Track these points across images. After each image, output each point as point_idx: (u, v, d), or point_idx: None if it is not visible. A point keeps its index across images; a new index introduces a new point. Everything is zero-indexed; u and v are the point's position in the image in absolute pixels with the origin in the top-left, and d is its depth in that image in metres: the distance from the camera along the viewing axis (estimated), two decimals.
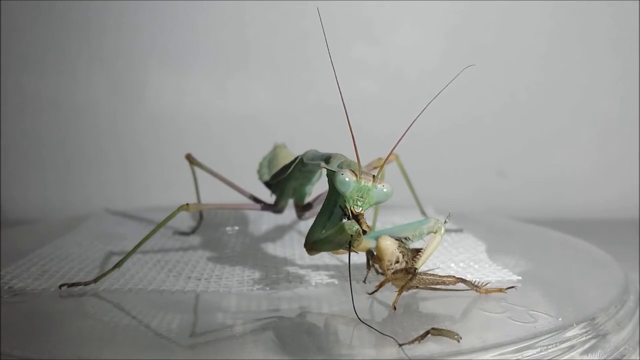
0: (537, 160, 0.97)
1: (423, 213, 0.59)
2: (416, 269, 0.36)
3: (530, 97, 0.96)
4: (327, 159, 0.38)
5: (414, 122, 0.35)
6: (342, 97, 0.35)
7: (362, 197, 0.34)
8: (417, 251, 0.37)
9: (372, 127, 0.81)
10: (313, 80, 0.94)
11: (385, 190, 0.35)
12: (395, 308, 0.35)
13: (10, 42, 0.91)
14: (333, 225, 0.36)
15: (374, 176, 0.35)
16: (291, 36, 0.94)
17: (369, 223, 0.35)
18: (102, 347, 0.32)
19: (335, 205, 0.37)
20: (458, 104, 0.92)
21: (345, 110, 0.35)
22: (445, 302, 0.38)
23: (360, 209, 0.34)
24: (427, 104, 0.35)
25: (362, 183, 0.34)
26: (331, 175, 0.36)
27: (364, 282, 0.40)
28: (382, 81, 0.96)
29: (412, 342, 0.30)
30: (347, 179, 0.34)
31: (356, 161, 0.36)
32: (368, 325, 0.33)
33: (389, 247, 0.36)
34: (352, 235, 0.34)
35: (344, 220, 0.34)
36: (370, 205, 0.35)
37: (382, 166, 0.39)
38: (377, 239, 0.37)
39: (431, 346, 0.30)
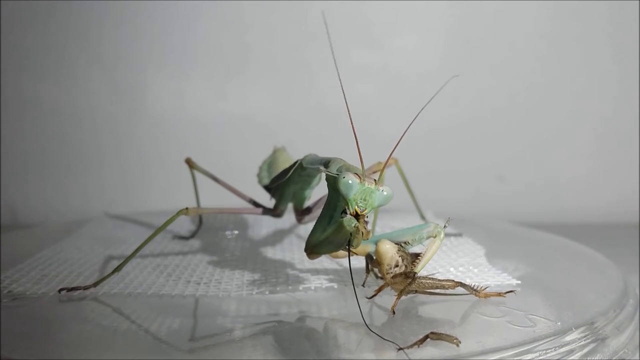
0: (536, 164, 0.97)
1: (422, 217, 0.59)
2: (415, 273, 0.36)
3: (529, 100, 0.96)
4: (327, 163, 0.38)
5: (409, 126, 0.35)
6: (345, 100, 0.35)
7: (364, 200, 0.34)
8: (417, 255, 0.37)
9: (372, 131, 0.81)
10: (313, 84, 0.95)
11: (385, 193, 0.35)
12: (394, 312, 0.35)
13: (10, 45, 0.91)
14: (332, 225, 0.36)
15: (374, 180, 0.35)
16: (291, 39, 0.94)
17: (369, 227, 0.35)
18: (102, 351, 0.32)
19: (335, 209, 0.37)
20: (457, 107, 0.92)
21: (349, 114, 0.36)
22: (444, 307, 0.38)
23: (364, 209, 0.34)
24: (419, 110, 0.35)
25: (366, 185, 0.34)
26: (331, 180, 0.36)
27: (363, 286, 0.40)
28: (382, 84, 0.96)
29: (412, 346, 0.30)
30: (350, 182, 0.34)
31: (355, 165, 0.36)
32: (372, 331, 0.33)
33: (389, 251, 0.37)
34: (351, 233, 0.34)
35: (343, 217, 0.34)
36: (372, 208, 0.35)
37: (382, 170, 0.39)
38: (376, 243, 0.37)
39: (430, 350, 0.30)
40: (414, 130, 0.35)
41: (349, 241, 0.35)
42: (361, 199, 0.34)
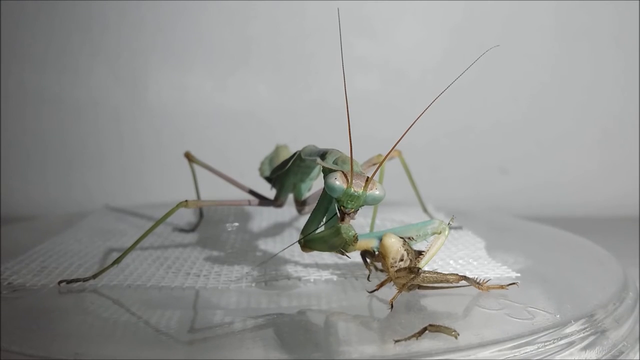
0: (538, 159, 0.96)
1: (425, 210, 0.59)
2: (419, 268, 0.35)
3: (533, 96, 0.96)
4: (323, 154, 0.38)
5: (415, 121, 0.34)
6: (346, 96, 0.35)
7: (351, 201, 0.34)
8: (420, 252, 0.37)
9: (374, 126, 0.81)
10: (314, 78, 0.94)
11: (377, 193, 0.35)
12: (392, 306, 0.35)
13: (12, 38, 0.91)
14: (330, 227, 0.36)
15: (367, 178, 0.35)
16: (292, 33, 0.94)
17: (368, 221, 0.35)
18: (101, 343, 0.32)
19: (330, 202, 0.36)
20: (461, 103, 0.92)
21: (348, 111, 0.35)
22: (443, 299, 0.38)
23: (351, 210, 0.34)
24: (432, 101, 0.35)
25: (352, 191, 0.34)
26: (326, 172, 0.36)
27: (368, 279, 0.39)
28: (384, 80, 0.96)
29: (410, 338, 0.30)
30: (336, 185, 0.34)
31: (354, 159, 0.35)
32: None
33: (394, 245, 0.36)
34: (346, 240, 0.34)
35: (341, 224, 0.34)
36: (360, 207, 0.35)
37: (381, 163, 0.39)
38: (381, 237, 0.37)
39: (429, 343, 0.30)
40: (417, 124, 0.34)
41: (344, 246, 0.35)
42: (348, 201, 0.34)
